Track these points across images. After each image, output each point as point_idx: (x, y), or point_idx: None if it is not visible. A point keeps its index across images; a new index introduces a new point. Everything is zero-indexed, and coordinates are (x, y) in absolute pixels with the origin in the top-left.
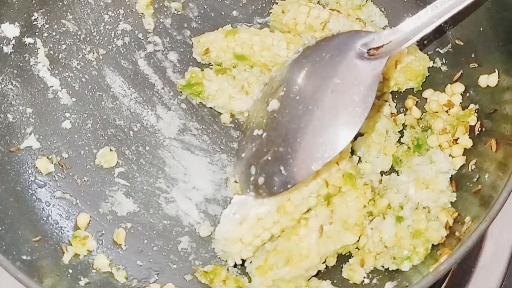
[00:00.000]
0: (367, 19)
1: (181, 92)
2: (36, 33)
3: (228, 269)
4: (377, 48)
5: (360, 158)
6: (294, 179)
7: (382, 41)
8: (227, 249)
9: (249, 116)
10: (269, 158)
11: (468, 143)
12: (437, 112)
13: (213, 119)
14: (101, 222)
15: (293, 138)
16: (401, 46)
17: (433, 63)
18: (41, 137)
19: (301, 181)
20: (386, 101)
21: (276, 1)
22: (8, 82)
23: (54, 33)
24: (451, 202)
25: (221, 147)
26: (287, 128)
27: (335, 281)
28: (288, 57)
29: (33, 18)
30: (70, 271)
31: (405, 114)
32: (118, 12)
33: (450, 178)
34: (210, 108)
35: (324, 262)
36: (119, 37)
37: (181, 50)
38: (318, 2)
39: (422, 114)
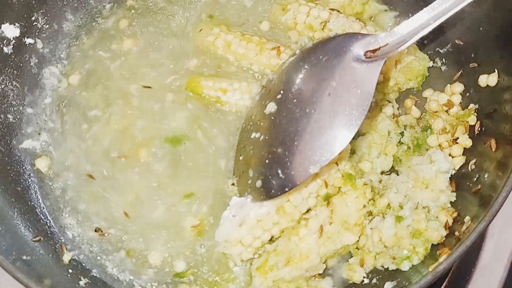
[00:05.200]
0: (371, 17)
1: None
2: (36, 33)
3: None
4: (374, 51)
5: (360, 157)
6: (292, 182)
7: (379, 44)
8: (227, 251)
9: (247, 118)
10: (267, 161)
11: (468, 142)
12: (437, 112)
13: None
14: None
15: (290, 141)
16: (398, 48)
17: (433, 63)
18: (41, 137)
19: (299, 184)
20: (390, 102)
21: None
22: (8, 83)
23: (54, 33)
24: (451, 202)
25: None
26: (284, 131)
27: (335, 281)
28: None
29: (33, 18)
30: (70, 271)
31: (405, 114)
32: None
33: (449, 177)
34: None
35: (325, 262)
36: None
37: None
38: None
39: (422, 114)
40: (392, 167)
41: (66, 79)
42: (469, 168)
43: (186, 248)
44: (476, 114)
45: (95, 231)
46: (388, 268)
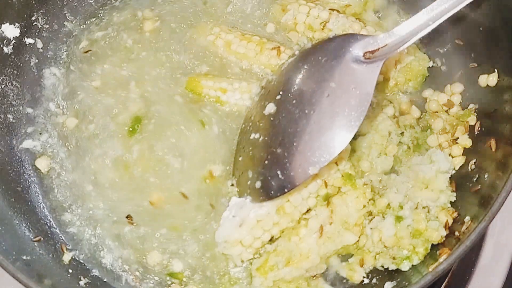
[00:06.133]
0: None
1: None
2: (36, 33)
3: None
4: (373, 52)
5: (360, 157)
6: (291, 183)
7: (378, 45)
8: (227, 252)
9: (246, 119)
10: (266, 162)
11: (468, 142)
12: (437, 111)
13: None
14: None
15: (289, 141)
16: (397, 49)
17: (433, 63)
18: (41, 137)
19: (298, 185)
20: (391, 102)
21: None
22: (8, 83)
23: (54, 33)
24: (451, 202)
25: None
26: (283, 132)
27: (335, 281)
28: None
29: (33, 18)
30: (70, 271)
31: (405, 114)
32: None
33: (449, 177)
34: None
35: (325, 262)
36: None
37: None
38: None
39: (422, 114)
40: (392, 167)
41: (65, 119)
42: (469, 168)
43: (187, 243)
44: (476, 114)
45: (126, 217)
46: (388, 268)
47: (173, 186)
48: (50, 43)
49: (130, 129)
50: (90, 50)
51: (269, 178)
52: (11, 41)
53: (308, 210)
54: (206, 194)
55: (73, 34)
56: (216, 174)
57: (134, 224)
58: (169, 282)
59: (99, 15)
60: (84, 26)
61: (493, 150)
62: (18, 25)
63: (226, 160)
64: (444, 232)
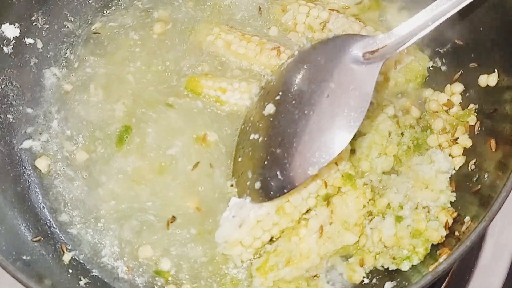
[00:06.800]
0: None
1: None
2: (36, 33)
3: None
4: (372, 52)
5: (360, 157)
6: (291, 184)
7: (377, 45)
8: (227, 252)
9: (246, 120)
10: (266, 162)
11: (468, 142)
12: (437, 111)
13: None
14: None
15: (289, 142)
16: (396, 49)
17: (433, 63)
18: (41, 137)
19: (297, 186)
20: (391, 103)
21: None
22: (8, 83)
23: (54, 33)
24: (451, 202)
25: None
26: (283, 133)
27: (334, 281)
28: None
29: (33, 18)
30: (70, 271)
31: (404, 114)
32: None
33: (449, 177)
34: None
35: (325, 262)
36: None
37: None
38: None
39: (422, 114)
40: (392, 167)
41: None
42: (469, 168)
43: (184, 241)
44: (476, 114)
45: (172, 216)
46: (388, 268)
47: (186, 173)
48: (50, 43)
49: (119, 140)
50: (99, 33)
51: (268, 178)
52: (11, 41)
53: (308, 210)
54: (206, 154)
55: (74, 35)
56: (211, 140)
57: (171, 227)
58: (159, 283)
59: (100, 16)
60: (106, 12)
61: (493, 150)
62: (18, 25)
63: (222, 138)
64: (444, 232)
